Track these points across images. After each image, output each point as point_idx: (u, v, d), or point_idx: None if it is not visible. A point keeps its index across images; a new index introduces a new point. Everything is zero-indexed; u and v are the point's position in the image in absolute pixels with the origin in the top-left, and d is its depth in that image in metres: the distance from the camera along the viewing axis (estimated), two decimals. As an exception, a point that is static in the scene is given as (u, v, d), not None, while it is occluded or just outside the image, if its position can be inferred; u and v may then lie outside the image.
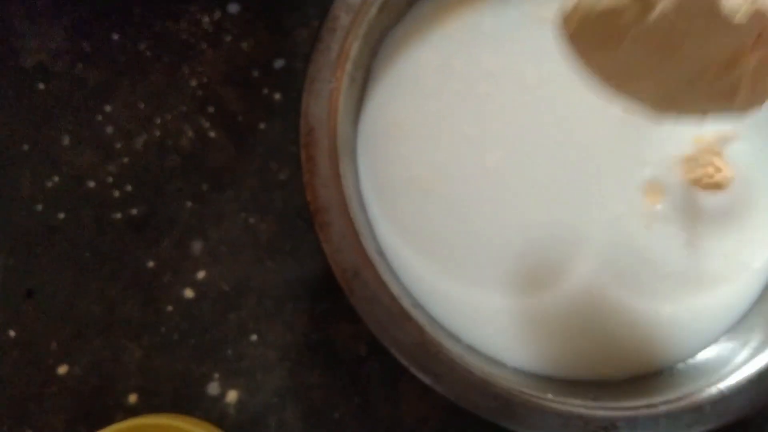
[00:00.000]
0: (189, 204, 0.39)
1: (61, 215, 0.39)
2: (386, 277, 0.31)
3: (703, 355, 0.33)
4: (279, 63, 0.41)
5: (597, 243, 0.34)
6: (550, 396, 0.29)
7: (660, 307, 0.33)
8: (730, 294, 0.33)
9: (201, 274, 0.39)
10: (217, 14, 0.41)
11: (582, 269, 0.33)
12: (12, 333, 0.38)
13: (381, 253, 0.33)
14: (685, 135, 0.34)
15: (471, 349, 0.33)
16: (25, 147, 0.40)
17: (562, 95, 0.34)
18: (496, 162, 0.34)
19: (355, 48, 0.32)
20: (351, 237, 0.31)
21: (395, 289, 0.31)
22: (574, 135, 0.34)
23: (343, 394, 0.37)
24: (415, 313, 0.31)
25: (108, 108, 0.40)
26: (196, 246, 0.39)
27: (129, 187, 0.39)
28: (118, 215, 0.39)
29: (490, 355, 0.33)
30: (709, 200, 0.34)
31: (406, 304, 0.30)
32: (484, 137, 0.35)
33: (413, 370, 0.29)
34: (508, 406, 0.29)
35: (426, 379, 0.29)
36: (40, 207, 0.39)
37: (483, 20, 0.35)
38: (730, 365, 0.31)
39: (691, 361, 0.33)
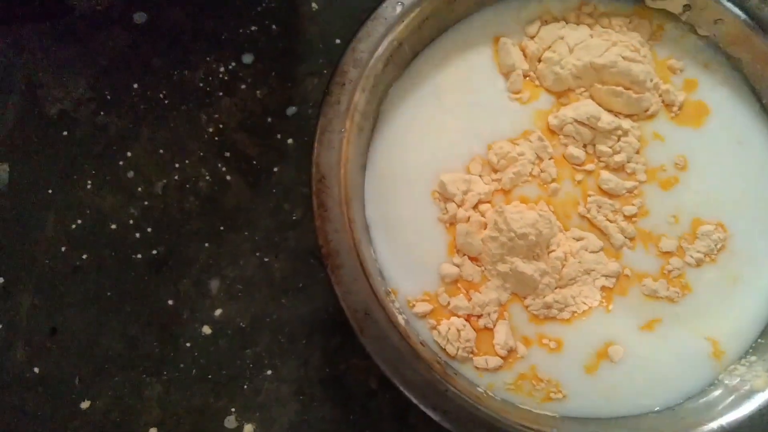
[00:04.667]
0: (206, 244, 0.41)
1: (84, 256, 0.41)
2: (395, 316, 0.32)
3: (705, 393, 0.33)
4: (291, 110, 0.42)
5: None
6: None
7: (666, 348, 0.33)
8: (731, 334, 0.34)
9: (218, 312, 0.40)
10: (232, 64, 0.43)
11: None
12: (36, 369, 0.39)
13: (388, 292, 0.34)
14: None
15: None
16: (50, 191, 0.42)
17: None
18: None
19: (362, 100, 0.34)
20: (361, 279, 0.32)
21: (403, 329, 0.32)
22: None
23: (355, 427, 0.38)
24: (423, 350, 0.32)
25: (129, 153, 0.42)
26: (214, 284, 0.40)
27: (149, 229, 0.41)
28: (139, 256, 0.41)
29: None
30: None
31: (414, 342, 0.32)
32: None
33: (422, 407, 0.30)
34: (513, 442, 0.29)
35: (435, 416, 0.30)
36: (64, 248, 0.41)
37: (472, 78, 0.37)
38: (730, 402, 0.32)
39: (694, 398, 0.33)
